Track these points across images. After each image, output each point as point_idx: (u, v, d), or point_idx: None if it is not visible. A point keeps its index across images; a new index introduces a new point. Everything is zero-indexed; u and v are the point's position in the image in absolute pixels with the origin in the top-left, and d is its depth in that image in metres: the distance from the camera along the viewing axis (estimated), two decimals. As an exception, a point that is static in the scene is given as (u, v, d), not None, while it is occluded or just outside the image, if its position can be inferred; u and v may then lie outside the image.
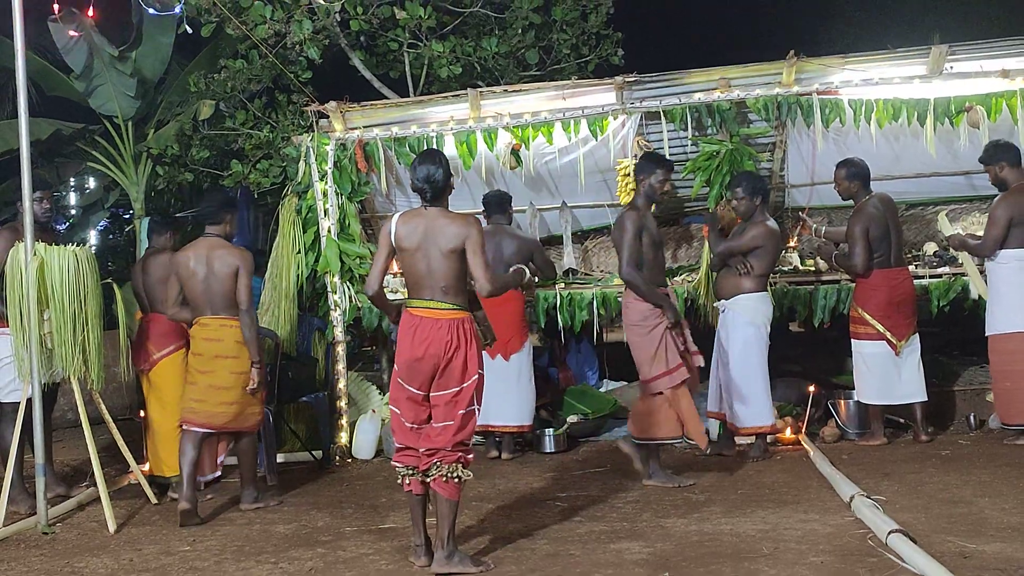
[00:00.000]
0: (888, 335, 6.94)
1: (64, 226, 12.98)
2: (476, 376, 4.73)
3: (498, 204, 7.72)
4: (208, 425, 6.03)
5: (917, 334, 7.09)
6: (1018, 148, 6.90)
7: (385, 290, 7.99)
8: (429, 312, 4.71)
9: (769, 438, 7.01)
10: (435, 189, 4.77)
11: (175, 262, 6.18)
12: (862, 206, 7.01)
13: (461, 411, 4.69)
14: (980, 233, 7.13)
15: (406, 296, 4.91)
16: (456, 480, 4.63)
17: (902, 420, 7.37)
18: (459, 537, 5.05)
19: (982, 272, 7.17)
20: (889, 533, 4.52)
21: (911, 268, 7.45)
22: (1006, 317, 6.82)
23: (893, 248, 7.03)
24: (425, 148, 7.87)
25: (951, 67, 7.33)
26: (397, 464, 4.81)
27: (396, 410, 4.83)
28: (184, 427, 6.06)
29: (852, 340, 7.18)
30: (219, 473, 6.61)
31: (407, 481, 4.76)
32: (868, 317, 7.01)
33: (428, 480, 4.67)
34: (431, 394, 4.74)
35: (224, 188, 10.23)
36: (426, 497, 4.77)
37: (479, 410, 4.81)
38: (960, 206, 8.64)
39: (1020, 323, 6.76)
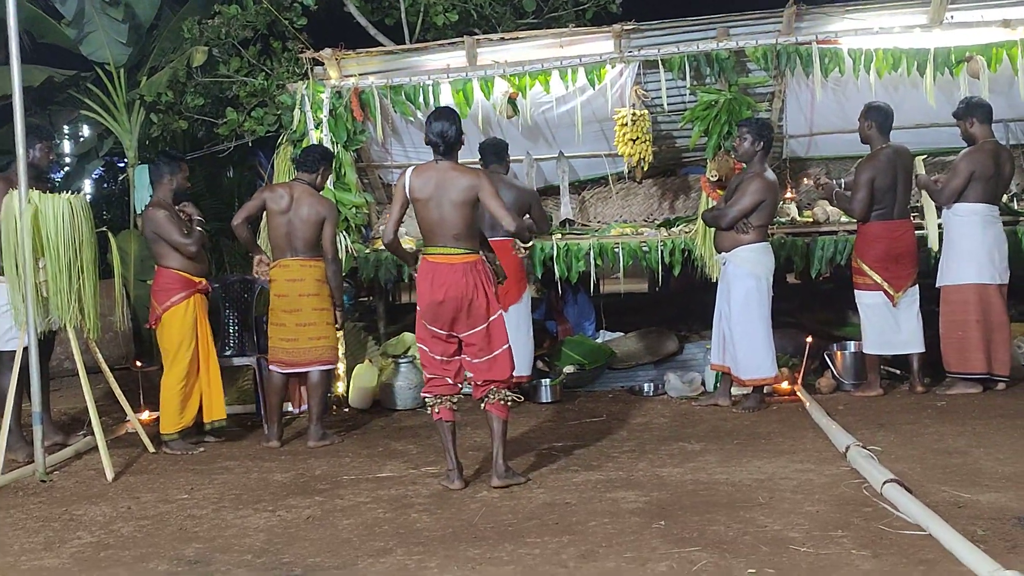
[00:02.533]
0: (885, 286, 6.95)
1: (59, 175, 12.90)
2: (500, 312, 5.18)
3: (495, 152, 7.49)
4: (298, 364, 6.50)
5: (916, 286, 7.10)
6: (991, 107, 6.98)
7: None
8: (444, 258, 5.10)
9: (766, 389, 7.02)
10: (447, 144, 5.15)
11: (266, 193, 6.59)
12: (876, 153, 7.00)
13: (500, 347, 5.15)
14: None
15: (422, 245, 5.31)
16: (506, 402, 5.16)
17: (899, 371, 7.40)
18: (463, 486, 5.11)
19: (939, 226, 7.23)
20: (884, 483, 4.54)
21: (912, 218, 7.43)
22: (959, 268, 6.96)
23: (898, 200, 7.02)
24: (421, 97, 7.87)
25: (952, 16, 7.30)
26: (427, 395, 5.24)
27: (424, 348, 5.25)
28: (272, 369, 6.55)
29: (855, 290, 7.19)
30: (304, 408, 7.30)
31: (436, 410, 5.19)
32: (866, 268, 7.01)
33: (483, 406, 5.16)
34: (463, 335, 5.15)
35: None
36: (455, 424, 5.22)
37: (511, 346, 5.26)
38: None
39: (972, 275, 6.90)
